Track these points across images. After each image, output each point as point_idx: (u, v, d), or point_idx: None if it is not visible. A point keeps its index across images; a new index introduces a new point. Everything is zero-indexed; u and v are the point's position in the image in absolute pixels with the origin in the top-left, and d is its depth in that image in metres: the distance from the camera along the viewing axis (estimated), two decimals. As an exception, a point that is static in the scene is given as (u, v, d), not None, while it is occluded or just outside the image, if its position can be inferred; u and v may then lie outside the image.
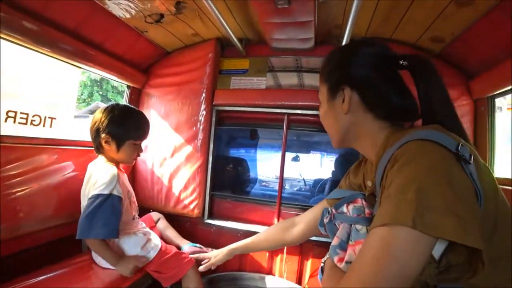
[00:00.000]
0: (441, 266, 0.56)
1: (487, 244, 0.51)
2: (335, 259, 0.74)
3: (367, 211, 0.77)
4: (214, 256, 1.31)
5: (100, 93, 13.05)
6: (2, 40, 1.22)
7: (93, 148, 1.60)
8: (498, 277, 0.57)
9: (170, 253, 1.45)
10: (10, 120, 1.35)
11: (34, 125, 1.45)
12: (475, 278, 0.52)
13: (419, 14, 1.39)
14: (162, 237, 1.65)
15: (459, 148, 0.54)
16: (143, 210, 1.66)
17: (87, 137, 1.60)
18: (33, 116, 1.44)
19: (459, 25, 1.38)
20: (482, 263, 0.49)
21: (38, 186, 1.39)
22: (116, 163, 1.45)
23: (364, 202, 0.81)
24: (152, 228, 1.64)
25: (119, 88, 12.99)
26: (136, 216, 1.53)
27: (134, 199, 1.53)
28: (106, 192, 1.26)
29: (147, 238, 1.45)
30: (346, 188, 1.01)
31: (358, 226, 0.74)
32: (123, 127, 1.39)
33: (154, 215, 1.79)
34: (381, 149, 0.72)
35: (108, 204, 1.26)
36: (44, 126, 1.49)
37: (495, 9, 1.20)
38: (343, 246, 0.74)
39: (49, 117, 1.52)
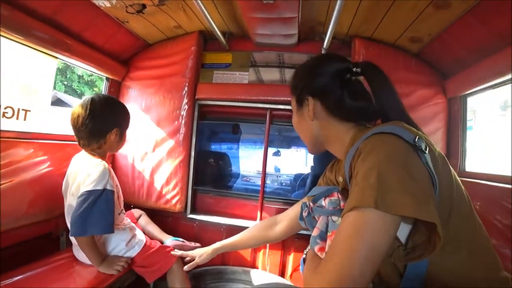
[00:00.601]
0: (408, 247, 0.64)
1: (443, 228, 0.57)
2: (316, 248, 0.78)
3: (342, 203, 0.82)
4: (198, 255, 1.31)
5: (65, 83, 11.96)
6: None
7: (70, 142, 1.56)
8: (454, 258, 0.64)
9: (154, 248, 1.44)
10: (-19, 112, 1.28)
11: (7, 117, 1.38)
12: (436, 255, 0.58)
13: (399, 14, 1.44)
14: (144, 233, 1.62)
15: (416, 140, 0.61)
16: (124, 206, 1.61)
17: (64, 130, 1.54)
18: (5, 108, 1.37)
19: (436, 27, 1.45)
20: (439, 237, 0.55)
21: (12, 182, 1.33)
22: (103, 156, 1.39)
23: (339, 196, 0.86)
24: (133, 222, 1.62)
25: (86, 77, 12.27)
26: (123, 211, 1.51)
27: (121, 193, 1.49)
28: (99, 187, 1.23)
29: (133, 234, 1.43)
30: (324, 185, 1.09)
31: (334, 218, 0.79)
32: (105, 117, 1.35)
33: (136, 211, 1.76)
34: (348, 147, 0.80)
35: (102, 199, 1.22)
36: (17, 118, 1.42)
37: (470, 12, 1.27)
38: (323, 237, 0.79)
39: (23, 109, 1.44)
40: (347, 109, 0.82)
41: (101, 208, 1.21)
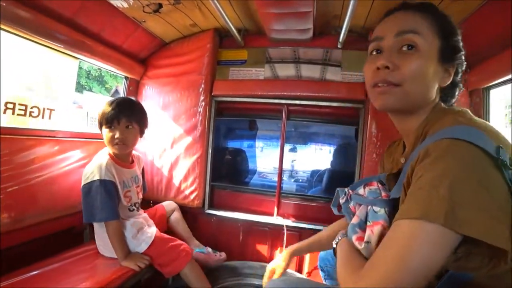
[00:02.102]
0: (459, 252, 0.55)
1: None
2: (354, 237, 0.75)
3: (383, 193, 0.77)
4: (278, 266, 1.19)
5: (72, 78, 12.18)
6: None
7: (92, 140, 1.64)
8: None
9: (167, 246, 1.44)
10: (9, 111, 1.34)
11: (33, 116, 1.45)
12: (493, 276, 0.53)
13: (417, 5, 1.40)
14: (173, 231, 1.69)
15: (500, 151, 0.52)
16: (144, 202, 1.66)
17: (86, 128, 1.60)
18: (31, 108, 1.43)
19: (455, 17, 1.39)
20: (505, 262, 0.50)
21: (38, 178, 1.40)
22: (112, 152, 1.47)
23: (379, 185, 0.81)
24: (159, 217, 1.68)
25: (93, 73, 12.38)
26: (134, 206, 1.54)
27: (131, 193, 1.51)
28: (94, 178, 1.33)
29: (138, 228, 1.45)
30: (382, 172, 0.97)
31: (376, 208, 0.74)
32: (99, 115, 1.43)
33: (169, 205, 1.80)
34: (419, 130, 0.70)
35: (100, 189, 1.32)
36: (43, 117, 1.49)
37: (490, 1, 1.22)
38: (362, 226, 0.75)
39: (47, 109, 1.51)
40: (454, 95, 0.75)
41: (101, 197, 1.31)
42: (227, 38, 1.99)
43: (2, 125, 1.27)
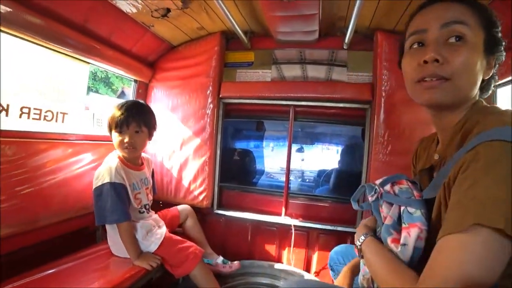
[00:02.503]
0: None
1: None
2: (389, 239, 0.71)
3: (416, 193, 0.74)
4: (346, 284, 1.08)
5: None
6: (11, 36, 1.24)
7: (103, 142, 1.67)
8: None
9: (176, 247, 1.45)
10: (24, 116, 1.38)
11: (47, 120, 1.49)
12: None
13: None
14: (188, 236, 1.70)
15: None
16: (153, 203, 1.69)
17: (94, 130, 1.64)
18: (45, 112, 1.48)
19: None
20: None
21: (52, 180, 1.43)
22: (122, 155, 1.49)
23: (410, 184, 0.78)
24: (171, 218, 1.69)
25: (100, 74, 12.28)
26: (144, 209, 1.54)
27: (141, 195, 1.53)
28: (105, 181, 1.35)
29: (147, 230, 1.46)
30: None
31: (411, 209, 0.71)
32: (109, 119, 1.45)
33: (184, 210, 1.78)
34: (460, 124, 0.67)
35: (111, 191, 1.34)
36: (56, 121, 1.53)
37: (495, 2, 1.22)
38: (396, 227, 0.72)
39: (61, 113, 1.55)
40: (493, 74, 0.71)
41: (111, 199, 1.33)
42: (233, 40, 2.01)
43: (16, 129, 1.32)
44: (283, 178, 1.98)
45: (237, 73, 2.00)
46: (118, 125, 1.41)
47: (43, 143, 1.41)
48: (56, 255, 1.35)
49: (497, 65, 0.70)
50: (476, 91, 0.68)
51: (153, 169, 1.72)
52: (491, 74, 0.69)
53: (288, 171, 1.95)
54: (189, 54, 2.00)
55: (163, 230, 1.51)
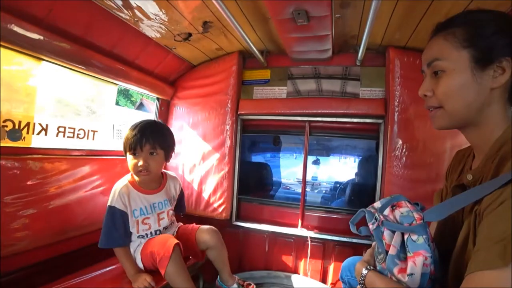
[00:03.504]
0: None
1: None
2: (395, 270, 0.73)
3: (416, 216, 0.75)
4: None
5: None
6: (47, 62, 1.38)
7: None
8: None
9: (153, 242, 1.38)
10: (61, 134, 1.52)
11: (80, 138, 1.62)
12: None
13: (433, 21, 1.43)
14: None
15: None
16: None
17: (114, 142, 1.72)
18: (78, 130, 1.61)
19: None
20: None
21: (85, 192, 1.56)
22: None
23: (409, 205, 0.79)
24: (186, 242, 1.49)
25: (119, 87, 12.23)
26: (149, 236, 1.45)
27: (151, 220, 1.44)
28: (108, 204, 1.36)
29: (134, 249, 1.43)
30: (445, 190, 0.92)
31: (414, 236, 0.71)
32: (124, 140, 1.41)
33: (202, 240, 1.53)
34: (495, 148, 0.68)
35: (108, 215, 1.34)
36: (87, 138, 1.66)
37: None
38: (401, 257, 0.74)
39: (91, 130, 1.68)
40: None
41: (107, 223, 1.34)
42: (250, 59, 2.11)
43: (49, 147, 1.45)
44: (299, 190, 2.04)
45: (254, 90, 2.09)
46: (131, 147, 1.35)
47: (75, 159, 1.53)
48: (82, 265, 1.43)
49: (510, 65, 0.67)
50: (480, 104, 0.69)
51: (181, 191, 1.66)
52: (505, 80, 0.67)
53: (304, 184, 2.00)
54: (209, 73, 2.11)
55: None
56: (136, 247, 1.42)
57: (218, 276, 1.60)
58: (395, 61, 1.72)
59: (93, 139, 1.69)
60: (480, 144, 0.74)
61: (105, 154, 1.73)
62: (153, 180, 1.48)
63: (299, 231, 1.96)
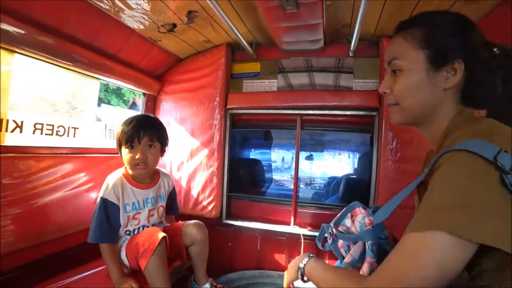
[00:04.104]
0: (474, 272, 0.57)
1: None
2: None
3: (367, 221, 0.76)
4: None
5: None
6: (22, 56, 1.30)
7: (113, 155, 1.69)
8: None
9: (140, 234, 1.34)
10: (38, 131, 1.43)
11: (59, 135, 1.53)
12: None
13: (427, 10, 1.39)
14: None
15: (498, 157, 0.53)
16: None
17: (105, 141, 1.65)
18: (58, 127, 1.52)
19: (477, 10, 1.36)
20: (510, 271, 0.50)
21: (64, 193, 1.47)
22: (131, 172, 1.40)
23: (362, 210, 0.81)
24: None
25: (112, 87, 11.36)
26: (136, 230, 1.41)
27: (141, 215, 1.41)
28: (99, 197, 1.31)
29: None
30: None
31: (369, 243, 0.73)
32: (119, 134, 1.38)
33: (188, 233, 1.48)
34: (443, 136, 0.72)
35: (100, 208, 1.29)
36: (68, 135, 1.58)
37: (501, 5, 1.20)
38: (355, 265, 0.75)
39: (72, 127, 1.60)
40: (482, 92, 0.72)
41: (97, 217, 1.29)
42: (239, 51, 2.04)
43: (28, 145, 1.37)
44: (292, 186, 1.98)
45: (244, 84, 2.02)
46: (128, 139, 1.32)
47: (54, 157, 1.45)
48: (67, 267, 1.37)
49: (484, 68, 0.70)
50: (433, 103, 0.73)
51: (173, 188, 1.62)
52: (469, 79, 0.70)
53: (296, 180, 1.94)
54: (196, 67, 2.03)
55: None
56: (121, 243, 1.38)
57: (192, 276, 1.56)
58: (389, 52, 1.66)
59: (74, 136, 1.60)
60: (433, 139, 0.78)
61: (88, 152, 1.65)
62: (147, 175, 1.45)
63: (292, 228, 1.90)
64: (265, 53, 1.99)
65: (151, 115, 1.82)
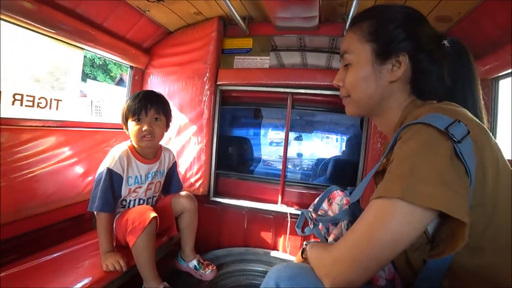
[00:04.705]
0: (434, 242, 0.61)
1: (486, 226, 0.57)
2: None
3: (344, 202, 0.78)
4: None
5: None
6: (3, 22, 1.22)
7: (99, 129, 1.64)
8: (486, 260, 0.59)
9: (131, 210, 1.34)
10: (17, 103, 1.36)
11: (41, 107, 1.47)
12: (463, 255, 0.57)
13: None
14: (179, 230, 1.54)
15: (449, 127, 0.55)
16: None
17: (91, 117, 1.61)
18: (39, 99, 1.45)
19: (466, 4, 1.36)
20: (463, 238, 0.51)
21: (47, 167, 1.43)
22: (137, 146, 1.41)
23: (339, 192, 0.83)
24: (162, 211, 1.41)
25: (98, 62, 11.19)
26: (132, 202, 1.44)
27: (141, 189, 1.43)
28: (103, 168, 1.31)
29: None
30: None
31: (345, 222, 0.76)
32: (124, 107, 1.38)
33: (178, 202, 1.51)
34: (397, 124, 0.74)
35: (106, 178, 1.29)
36: (50, 108, 1.51)
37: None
38: None
39: (55, 99, 1.53)
40: (430, 83, 0.73)
41: (102, 187, 1.29)
42: (231, 26, 1.97)
43: (9, 116, 1.30)
44: (280, 166, 1.98)
45: (235, 60, 1.96)
46: (136, 112, 1.34)
47: (36, 130, 1.39)
48: (51, 243, 1.35)
49: (428, 60, 0.72)
50: (381, 95, 0.75)
51: (174, 163, 1.62)
52: (416, 70, 0.72)
53: (285, 159, 1.94)
54: (186, 40, 1.96)
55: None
56: (115, 215, 1.39)
57: (179, 253, 1.58)
58: (384, 33, 1.63)
59: (57, 109, 1.54)
60: (388, 131, 0.81)
61: (72, 126, 1.59)
62: (152, 149, 1.48)
63: (279, 207, 1.91)
64: (258, 29, 1.93)
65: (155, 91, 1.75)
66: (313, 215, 0.85)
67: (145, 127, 1.34)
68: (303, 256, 0.83)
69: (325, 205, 0.85)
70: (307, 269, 0.68)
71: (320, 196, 0.88)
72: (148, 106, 1.36)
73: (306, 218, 0.96)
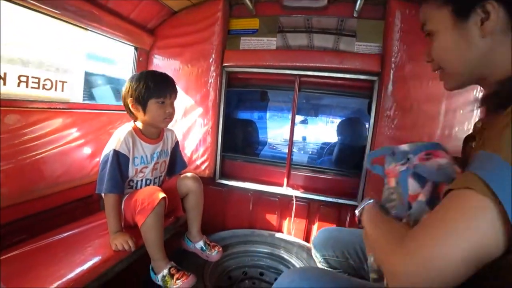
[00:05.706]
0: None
1: None
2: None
3: (458, 170, 0.65)
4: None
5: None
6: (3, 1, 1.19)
7: (105, 111, 1.63)
8: None
9: (140, 191, 1.33)
10: (23, 84, 1.36)
11: (46, 89, 1.46)
12: None
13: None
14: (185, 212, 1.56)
15: None
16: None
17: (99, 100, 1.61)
18: (44, 80, 1.44)
19: None
20: None
21: (54, 149, 1.43)
22: (150, 126, 1.42)
23: (448, 157, 0.69)
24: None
25: None
26: (141, 185, 1.44)
27: (148, 169, 1.43)
28: (109, 150, 1.30)
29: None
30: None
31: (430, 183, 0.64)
32: (142, 88, 1.34)
33: (183, 183, 1.52)
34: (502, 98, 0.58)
35: (113, 159, 1.29)
36: (55, 90, 1.50)
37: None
38: (431, 204, 0.63)
39: (60, 81, 1.52)
40: None
41: (110, 168, 1.28)
42: (237, 6, 1.92)
43: (18, 98, 1.30)
44: (286, 149, 1.97)
45: (241, 41, 1.92)
46: (161, 95, 1.34)
47: (43, 112, 1.39)
48: (59, 224, 1.36)
49: (495, 8, 0.58)
50: (475, 55, 0.62)
51: (176, 143, 1.62)
52: (494, 24, 0.59)
53: (291, 142, 1.93)
54: (191, 21, 1.91)
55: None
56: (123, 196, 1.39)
57: (186, 233, 1.59)
58: (396, 14, 1.58)
59: (62, 90, 1.53)
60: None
61: (78, 108, 1.58)
62: (156, 130, 1.47)
63: (285, 190, 1.92)
64: (265, 9, 1.88)
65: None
66: (416, 159, 0.71)
67: (169, 110, 1.38)
68: (359, 217, 0.79)
69: (415, 158, 0.70)
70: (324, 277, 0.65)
71: (420, 144, 0.74)
72: (171, 90, 1.39)
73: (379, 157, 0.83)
